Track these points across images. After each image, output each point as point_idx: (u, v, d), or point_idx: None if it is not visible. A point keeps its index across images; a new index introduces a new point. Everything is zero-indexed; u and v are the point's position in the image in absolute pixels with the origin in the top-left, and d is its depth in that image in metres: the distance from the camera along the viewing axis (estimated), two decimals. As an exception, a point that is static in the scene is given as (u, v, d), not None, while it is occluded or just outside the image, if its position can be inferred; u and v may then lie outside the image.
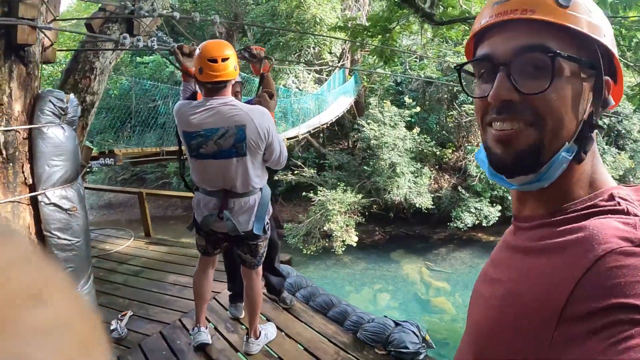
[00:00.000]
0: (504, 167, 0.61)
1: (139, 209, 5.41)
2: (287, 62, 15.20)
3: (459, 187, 13.84)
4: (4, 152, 1.97)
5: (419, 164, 13.72)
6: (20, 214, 2.06)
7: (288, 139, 11.39)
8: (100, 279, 3.90)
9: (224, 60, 2.07)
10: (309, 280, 3.64)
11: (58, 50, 2.79)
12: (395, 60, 11.05)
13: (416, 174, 13.36)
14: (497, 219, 12.84)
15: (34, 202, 2.10)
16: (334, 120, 14.38)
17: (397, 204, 13.41)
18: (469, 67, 0.68)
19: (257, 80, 2.89)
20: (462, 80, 0.71)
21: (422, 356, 2.69)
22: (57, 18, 2.25)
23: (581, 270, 0.49)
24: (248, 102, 2.50)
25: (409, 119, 13.89)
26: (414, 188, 13.02)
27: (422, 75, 14.41)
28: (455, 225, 12.99)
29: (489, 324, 0.61)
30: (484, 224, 12.88)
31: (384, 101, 14.30)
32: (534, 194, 0.63)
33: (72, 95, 2.22)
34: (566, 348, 0.47)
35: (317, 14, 14.37)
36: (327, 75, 17.11)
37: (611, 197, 0.58)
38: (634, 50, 5.96)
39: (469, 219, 12.72)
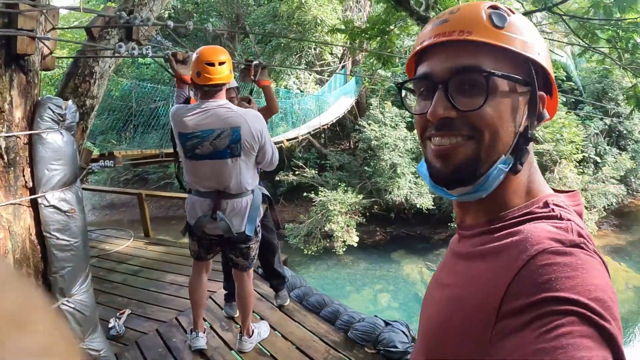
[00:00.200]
0: (443, 180, 0.64)
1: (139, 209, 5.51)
2: (288, 63, 15.24)
3: (460, 188, 13.83)
4: (5, 156, 2.04)
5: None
6: (21, 215, 2.13)
7: (288, 140, 11.44)
8: (100, 278, 4.00)
9: (220, 64, 2.16)
10: (303, 280, 3.71)
11: (57, 58, 2.87)
12: (396, 61, 11.08)
13: (417, 175, 13.38)
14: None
15: (34, 205, 2.16)
16: (334, 121, 14.43)
17: (398, 204, 13.45)
18: (410, 84, 0.71)
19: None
20: (403, 97, 0.74)
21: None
22: (56, 27, 2.33)
23: (515, 269, 0.52)
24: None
25: (410, 119, 13.92)
26: (414, 188, 13.06)
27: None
28: (456, 225, 13.00)
29: (437, 327, 0.64)
30: (484, 225, 12.87)
31: (385, 102, 14.33)
32: (474, 203, 0.66)
33: (70, 102, 2.29)
34: (503, 342, 0.49)
35: (317, 15, 14.42)
36: (328, 76, 17.16)
37: (546, 204, 0.61)
38: (631, 52, 5.99)
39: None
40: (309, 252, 12.69)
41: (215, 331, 3.01)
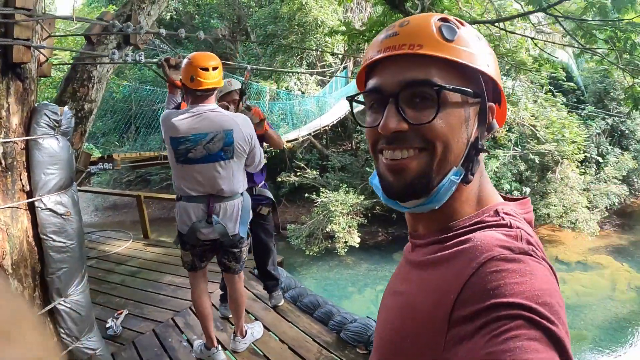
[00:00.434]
0: (396, 194, 0.65)
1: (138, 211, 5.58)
2: (289, 65, 15.29)
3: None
4: (3, 161, 2.10)
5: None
6: (18, 218, 2.19)
7: (289, 141, 11.48)
8: (99, 279, 4.07)
9: (214, 69, 2.22)
10: (298, 281, 3.76)
11: (55, 64, 2.93)
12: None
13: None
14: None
15: (31, 208, 2.23)
16: (335, 122, 14.45)
17: (399, 205, 13.42)
18: (361, 97, 0.70)
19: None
20: (353, 110, 0.74)
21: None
22: (52, 35, 2.40)
23: (465, 277, 0.53)
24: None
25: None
26: (416, 189, 13.02)
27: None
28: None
29: (390, 334, 0.65)
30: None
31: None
32: (426, 213, 0.66)
33: (66, 108, 2.35)
34: (456, 348, 0.50)
35: (318, 16, 14.47)
36: (329, 77, 17.20)
37: (496, 213, 0.62)
38: (629, 52, 5.99)
39: (470, 220, 12.73)
40: (311, 253, 12.68)
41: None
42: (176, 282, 3.93)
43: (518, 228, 0.59)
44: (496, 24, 6.27)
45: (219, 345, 2.70)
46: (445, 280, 0.56)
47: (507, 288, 0.49)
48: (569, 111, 13.39)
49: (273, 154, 13.46)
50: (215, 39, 16.10)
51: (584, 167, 13.69)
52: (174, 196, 2.53)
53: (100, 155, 6.39)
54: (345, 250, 12.37)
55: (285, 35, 15.25)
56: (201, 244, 2.45)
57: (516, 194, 12.40)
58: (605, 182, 13.54)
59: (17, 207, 2.17)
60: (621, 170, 13.82)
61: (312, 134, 13.27)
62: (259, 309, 3.35)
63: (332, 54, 16.67)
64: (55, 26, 2.62)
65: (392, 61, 0.63)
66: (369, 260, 13.16)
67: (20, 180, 2.19)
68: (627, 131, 14.74)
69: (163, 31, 2.55)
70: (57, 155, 2.26)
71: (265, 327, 3.07)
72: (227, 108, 2.93)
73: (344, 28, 7.48)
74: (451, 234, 0.63)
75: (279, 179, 14.60)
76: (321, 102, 15.07)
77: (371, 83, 0.66)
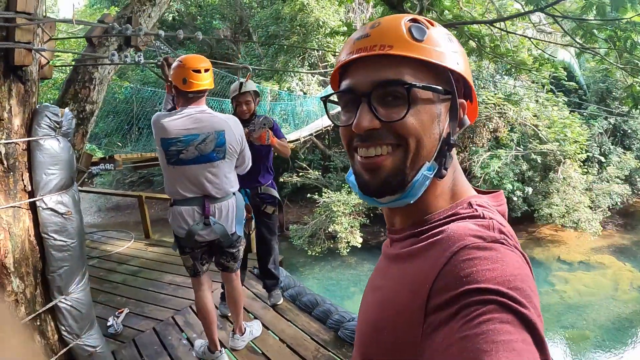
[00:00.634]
0: (372, 191, 0.66)
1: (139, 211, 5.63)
2: (291, 65, 15.33)
3: (463, 188, 13.82)
4: (5, 162, 2.14)
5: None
6: (20, 217, 2.23)
7: (290, 141, 11.52)
8: (101, 278, 4.12)
9: (205, 71, 2.25)
10: (297, 281, 3.79)
11: (56, 66, 2.97)
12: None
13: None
14: (500, 219, 12.82)
15: (33, 207, 2.27)
16: (337, 122, 14.46)
17: (401, 204, 13.41)
18: (335, 97, 0.72)
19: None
20: (328, 110, 0.76)
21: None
22: (53, 37, 2.44)
23: (439, 266, 0.54)
24: None
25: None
26: (418, 189, 13.02)
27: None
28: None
29: (370, 329, 0.66)
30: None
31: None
32: (402, 207, 0.68)
33: (67, 109, 2.38)
34: (433, 336, 0.51)
35: (320, 17, 14.51)
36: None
37: (470, 205, 0.64)
38: (629, 51, 5.98)
39: (472, 220, 12.72)
40: (313, 253, 12.69)
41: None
42: (177, 282, 3.98)
43: (490, 218, 0.61)
44: (496, 24, 6.28)
45: (223, 349, 2.72)
46: (420, 271, 0.58)
47: (479, 274, 0.50)
48: (571, 111, 13.37)
49: (275, 154, 13.49)
50: (217, 40, 16.17)
51: (586, 166, 13.66)
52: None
53: (102, 156, 6.46)
54: (348, 250, 12.37)
55: (287, 36, 15.29)
56: (199, 246, 2.45)
57: (518, 194, 12.41)
58: (608, 182, 13.51)
59: (19, 207, 2.20)
60: (624, 170, 13.79)
61: (314, 134, 13.30)
62: (258, 308, 3.38)
63: (334, 54, 16.69)
64: (58, 28, 2.67)
65: (364, 62, 0.65)
66: (371, 261, 13.16)
67: (22, 180, 2.22)
68: (629, 130, 14.71)
69: (162, 33, 2.58)
70: (58, 156, 2.30)
71: (264, 325, 3.10)
72: (238, 108, 2.98)
73: (345, 28, 7.51)
74: (426, 227, 0.65)
75: (281, 180, 14.62)
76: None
77: (344, 83, 0.68)
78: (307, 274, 12.28)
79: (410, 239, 0.66)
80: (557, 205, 12.10)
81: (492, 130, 13.78)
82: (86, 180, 3.66)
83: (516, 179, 12.73)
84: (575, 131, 12.29)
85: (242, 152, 2.41)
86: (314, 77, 16.61)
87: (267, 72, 15.06)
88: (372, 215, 13.75)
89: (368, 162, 0.65)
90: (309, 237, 12.98)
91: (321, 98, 0.76)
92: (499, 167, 12.44)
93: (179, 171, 2.30)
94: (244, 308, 3.00)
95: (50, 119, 2.26)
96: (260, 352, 2.83)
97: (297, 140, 12.15)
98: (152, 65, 2.82)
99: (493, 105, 13.13)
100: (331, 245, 12.71)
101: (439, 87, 0.64)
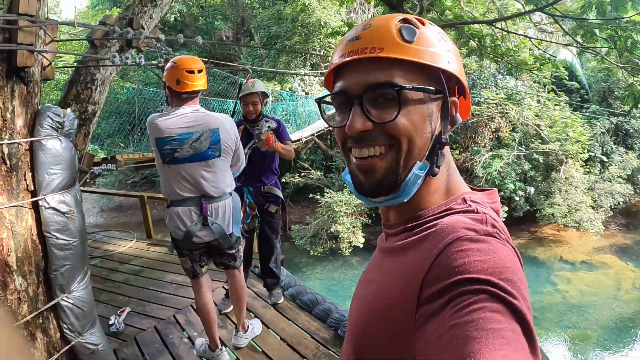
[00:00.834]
0: (366, 191, 0.68)
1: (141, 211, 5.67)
2: (293, 66, 15.35)
3: (465, 188, 13.81)
4: (8, 162, 2.16)
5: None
6: (23, 217, 2.26)
7: (292, 142, 11.52)
8: (103, 277, 4.15)
9: (199, 71, 2.27)
10: (298, 280, 3.81)
11: (58, 68, 3.01)
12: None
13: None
14: (503, 219, 12.76)
15: (35, 207, 2.30)
16: (338, 122, 14.47)
17: (403, 205, 13.40)
18: (328, 99, 0.73)
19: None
20: (323, 111, 0.78)
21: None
22: (55, 39, 2.47)
23: (432, 257, 0.55)
24: None
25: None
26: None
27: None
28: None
29: (363, 320, 0.67)
30: (489, 225, 12.84)
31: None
32: (397, 205, 0.70)
33: (68, 110, 2.41)
34: (425, 325, 0.52)
35: (321, 17, 14.54)
36: (333, 78, 17.21)
37: (464, 201, 0.65)
38: (630, 50, 5.98)
39: (474, 220, 12.70)
40: (315, 254, 12.70)
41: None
42: (178, 281, 4.00)
43: (484, 213, 0.62)
44: (497, 24, 6.29)
45: (223, 347, 2.74)
46: (414, 263, 0.59)
47: (471, 265, 0.51)
48: (573, 110, 13.34)
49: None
50: (219, 39, 16.21)
51: (588, 166, 13.63)
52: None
53: (104, 156, 6.49)
54: (350, 250, 12.37)
55: (289, 37, 15.32)
56: (197, 247, 2.45)
57: (521, 193, 12.39)
58: (610, 182, 13.47)
59: (22, 206, 2.23)
60: (626, 170, 13.75)
61: (316, 134, 13.31)
62: (259, 307, 3.40)
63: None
64: (60, 29, 2.69)
65: (355, 65, 0.66)
66: (373, 261, 13.15)
67: (25, 180, 2.25)
68: (631, 130, 14.66)
69: (162, 36, 2.62)
70: (60, 156, 2.33)
71: (264, 324, 3.12)
72: (245, 108, 3.00)
73: (346, 29, 7.53)
74: (421, 221, 0.66)
75: (283, 180, 14.64)
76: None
77: (338, 85, 0.69)
78: (309, 274, 12.29)
79: (405, 232, 0.67)
80: (559, 205, 12.08)
81: (494, 130, 13.78)
82: (88, 180, 3.68)
83: (518, 178, 12.72)
84: (577, 131, 12.27)
85: (237, 151, 2.42)
86: (315, 77, 16.62)
87: (269, 72, 15.08)
88: (374, 215, 13.73)
89: (362, 164, 0.67)
90: (311, 237, 12.98)
91: (315, 100, 0.78)
92: (501, 167, 12.43)
93: (174, 170, 2.29)
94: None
95: (52, 120, 2.29)
96: (261, 350, 2.85)
97: (299, 140, 12.17)
98: (153, 66, 2.84)
99: (495, 105, 13.13)
100: (333, 246, 12.71)
101: (430, 87, 0.65)
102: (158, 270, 4.34)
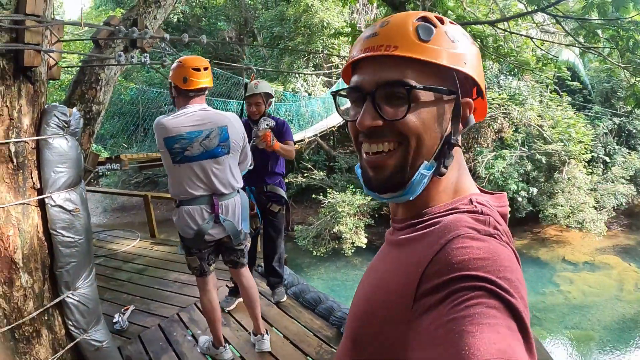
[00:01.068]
0: (374, 187, 0.69)
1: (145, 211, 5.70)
2: (295, 66, 15.38)
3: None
4: (14, 160, 2.19)
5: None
6: (29, 214, 2.29)
7: (295, 142, 11.54)
8: (107, 276, 4.17)
9: (205, 69, 2.30)
10: (301, 278, 3.83)
11: (64, 67, 3.04)
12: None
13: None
14: (505, 220, 12.80)
15: (42, 204, 2.32)
16: (342, 123, 14.51)
17: (405, 205, 13.40)
18: (344, 92, 0.75)
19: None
20: (338, 105, 0.81)
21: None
22: (61, 39, 2.50)
23: (433, 253, 0.56)
24: None
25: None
26: (422, 189, 13.02)
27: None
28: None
29: (362, 310, 0.68)
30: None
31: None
32: (404, 202, 0.71)
33: (74, 109, 2.44)
34: (422, 319, 0.53)
35: (324, 18, 14.56)
36: (336, 78, 17.26)
37: (470, 202, 0.66)
38: (631, 50, 5.97)
39: (476, 220, 12.69)
40: (318, 254, 12.70)
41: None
42: (182, 279, 4.02)
43: (488, 215, 0.62)
44: (499, 24, 6.29)
45: (227, 345, 2.75)
46: (415, 257, 0.60)
47: (470, 262, 0.52)
48: (575, 111, 13.31)
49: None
50: (222, 40, 16.26)
51: (591, 167, 13.60)
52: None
53: (108, 156, 6.52)
54: (353, 251, 12.37)
55: (292, 37, 15.34)
56: (207, 246, 2.46)
57: (523, 194, 12.38)
58: (613, 182, 13.44)
59: (28, 204, 2.26)
60: (629, 170, 13.70)
61: (319, 135, 13.33)
62: (262, 305, 3.40)
63: (339, 56, 16.73)
64: (65, 30, 2.73)
65: (370, 61, 0.67)
66: (375, 261, 13.14)
67: (31, 178, 2.28)
68: (634, 131, 14.60)
69: (167, 36, 2.64)
70: (66, 155, 2.36)
71: (268, 322, 3.14)
72: (249, 108, 3.03)
73: (349, 29, 7.54)
74: (425, 218, 0.67)
75: (286, 180, 14.63)
76: (327, 103, 15.11)
77: (353, 80, 0.70)
78: (312, 274, 12.29)
79: (410, 227, 0.69)
80: (561, 206, 12.06)
81: (496, 130, 13.77)
82: (92, 180, 3.72)
83: (521, 179, 12.71)
84: (579, 131, 12.25)
85: (244, 148, 2.46)
86: (318, 77, 16.66)
87: (272, 73, 15.12)
88: (376, 215, 13.74)
89: (372, 160, 0.68)
90: (314, 237, 12.98)
91: (331, 92, 0.80)
92: (504, 168, 12.42)
93: (185, 169, 2.31)
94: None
95: (58, 119, 2.31)
96: (264, 348, 2.87)
97: (301, 141, 12.19)
98: (158, 66, 2.88)
99: (497, 106, 13.12)
100: (336, 246, 12.71)
101: (443, 88, 0.65)
102: (162, 269, 4.37)
